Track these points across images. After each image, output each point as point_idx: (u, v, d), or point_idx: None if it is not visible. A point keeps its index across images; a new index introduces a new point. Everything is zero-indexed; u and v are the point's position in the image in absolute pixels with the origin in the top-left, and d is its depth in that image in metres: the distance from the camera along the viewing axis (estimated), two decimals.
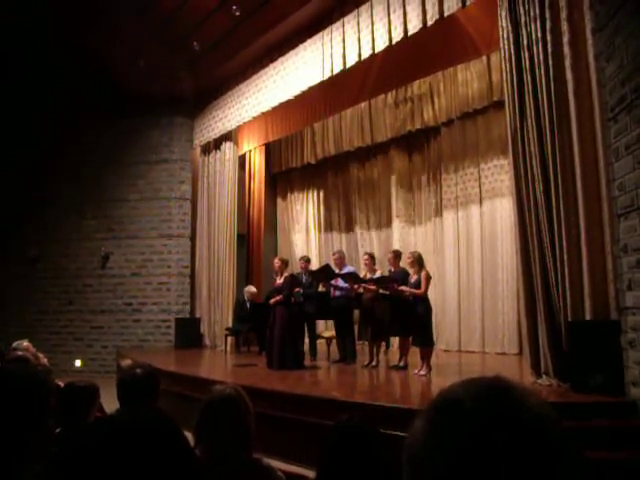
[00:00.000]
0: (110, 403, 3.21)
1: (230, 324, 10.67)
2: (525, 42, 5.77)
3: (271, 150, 13.26)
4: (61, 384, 3.25)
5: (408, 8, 7.17)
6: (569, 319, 5.24)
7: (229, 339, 10.40)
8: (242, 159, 12.11)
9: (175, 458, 0.81)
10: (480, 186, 9.85)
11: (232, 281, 11.19)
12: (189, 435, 1.83)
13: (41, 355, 4.82)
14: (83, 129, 12.07)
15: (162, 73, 11.28)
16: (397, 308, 7.20)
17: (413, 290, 6.90)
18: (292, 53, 9.27)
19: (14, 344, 4.94)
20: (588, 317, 5.10)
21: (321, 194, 13.19)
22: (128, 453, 0.77)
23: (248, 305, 10.06)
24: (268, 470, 1.94)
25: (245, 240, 12.05)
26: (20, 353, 4.05)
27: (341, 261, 8.47)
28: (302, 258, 9.09)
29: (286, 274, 8.04)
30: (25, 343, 4.92)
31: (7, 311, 11.85)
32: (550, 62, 5.50)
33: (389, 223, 11.69)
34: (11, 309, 11.89)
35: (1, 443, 1.11)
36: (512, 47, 5.92)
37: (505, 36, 6.02)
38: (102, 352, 11.63)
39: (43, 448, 1.19)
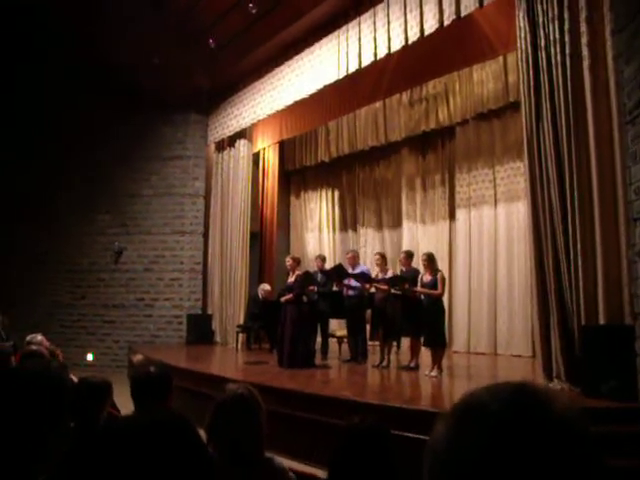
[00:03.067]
0: (121, 398, 3.23)
1: (242, 321, 10.71)
2: (542, 43, 5.72)
3: (285, 148, 13.28)
4: (74, 379, 3.28)
5: (425, 8, 7.14)
6: (582, 323, 5.20)
7: (240, 336, 10.44)
8: (256, 157, 12.13)
9: (191, 460, 0.82)
10: (495, 187, 9.80)
11: (244, 278, 11.22)
12: (201, 432, 1.84)
13: (59, 351, 4.85)
14: (98, 124, 12.12)
15: (177, 70, 11.32)
16: (409, 308, 7.19)
17: (431, 291, 6.88)
18: (308, 52, 9.26)
19: (28, 337, 4.99)
20: (602, 322, 5.07)
21: (335, 193, 13.18)
22: (144, 456, 0.77)
23: (261, 302, 10.08)
24: (280, 470, 1.95)
25: (258, 238, 12.07)
26: (34, 347, 4.08)
27: (354, 260, 8.47)
28: (318, 257, 9.11)
29: (298, 272, 8.04)
30: (39, 337, 4.97)
31: (20, 304, 11.94)
32: (568, 63, 5.46)
33: (401, 223, 11.65)
34: (24, 302, 11.98)
35: (18, 441, 1.13)
36: (529, 48, 5.88)
37: (522, 36, 5.98)
38: (114, 347, 11.71)
39: (59, 446, 1.20)
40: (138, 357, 8.86)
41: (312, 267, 9.33)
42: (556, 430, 0.58)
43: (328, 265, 9.17)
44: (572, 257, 5.32)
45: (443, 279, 6.93)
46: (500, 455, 0.55)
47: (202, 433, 1.84)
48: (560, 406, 0.60)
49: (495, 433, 0.57)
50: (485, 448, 0.56)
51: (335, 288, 8.56)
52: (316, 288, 7.99)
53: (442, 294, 6.91)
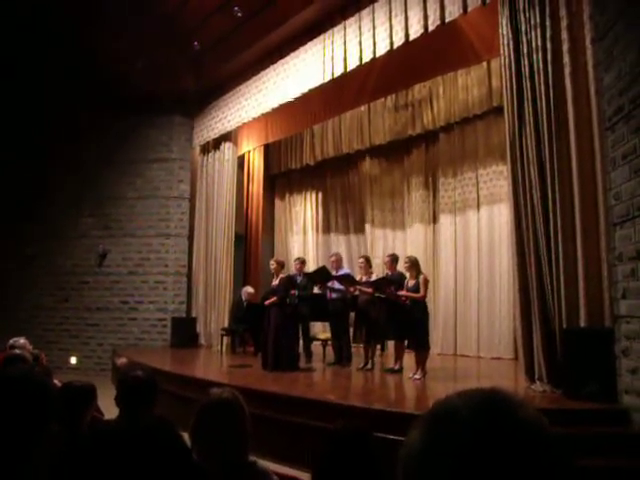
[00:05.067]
0: (105, 401, 3.23)
1: (226, 324, 10.69)
2: (525, 50, 5.81)
3: (270, 151, 13.28)
4: (58, 383, 3.27)
5: (410, 13, 7.20)
6: (564, 326, 5.28)
7: (225, 339, 10.42)
8: (241, 159, 12.12)
9: (176, 466, 0.84)
10: (478, 191, 9.89)
11: (229, 281, 11.20)
12: (185, 436, 1.85)
13: (42, 355, 4.82)
14: (83, 126, 12.07)
15: (163, 72, 11.30)
16: (393, 311, 7.22)
17: (413, 294, 6.92)
18: (293, 55, 9.28)
19: (11, 341, 4.95)
20: (582, 324, 5.14)
21: (319, 196, 13.19)
22: (131, 461, 0.79)
23: (245, 305, 10.07)
24: (264, 474, 1.96)
25: (243, 240, 12.05)
26: (17, 351, 4.06)
27: (338, 263, 8.49)
28: (297, 259, 9.12)
29: (282, 275, 8.05)
30: (22, 340, 4.94)
31: (2, 307, 11.84)
32: (549, 70, 5.55)
33: (386, 226, 11.71)
34: (7, 305, 11.89)
35: (1, 448, 1.13)
36: (512, 54, 5.97)
37: (505, 43, 6.07)
38: (98, 350, 11.64)
39: (45, 452, 1.20)
40: (122, 360, 8.82)
41: (294, 270, 9.33)
42: (526, 435, 0.60)
43: (311, 268, 9.17)
44: (553, 260, 5.39)
45: (426, 282, 6.97)
46: (471, 460, 0.57)
47: (186, 437, 1.85)
48: (528, 412, 0.62)
49: (466, 439, 0.59)
50: (457, 453, 0.58)
51: (318, 291, 8.57)
52: (297, 292, 7.99)
53: (424, 297, 6.94)
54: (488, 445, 0.58)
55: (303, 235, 13.25)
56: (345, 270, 8.51)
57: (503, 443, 0.58)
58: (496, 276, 9.46)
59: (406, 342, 7.15)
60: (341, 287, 8.14)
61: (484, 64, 9.24)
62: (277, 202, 13.93)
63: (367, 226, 12.08)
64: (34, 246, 12.01)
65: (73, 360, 11.57)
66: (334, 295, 8.24)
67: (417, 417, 0.65)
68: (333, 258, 8.67)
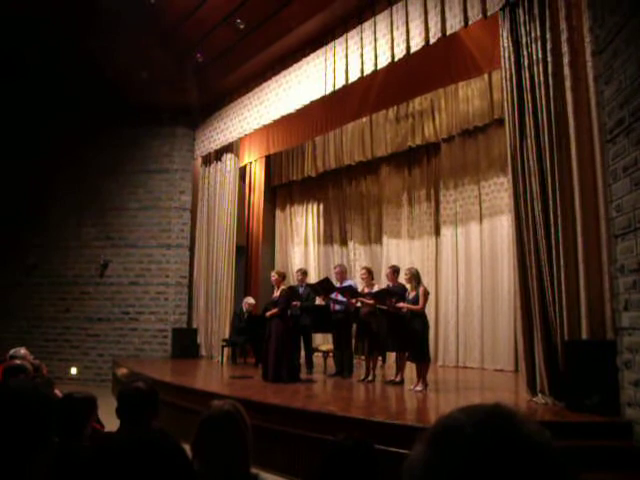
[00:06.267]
0: (105, 413, 3.22)
1: (227, 335, 10.67)
2: (526, 62, 5.84)
3: (272, 162, 13.31)
4: (59, 393, 3.26)
5: (411, 25, 7.24)
6: (565, 338, 5.26)
7: (225, 350, 10.40)
8: (242, 171, 12.15)
9: (177, 478, 0.83)
10: (480, 203, 9.89)
11: (230, 292, 11.19)
12: (186, 447, 1.84)
13: (43, 366, 4.81)
14: (85, 137, 12.11)
15: (165, 83, 11.34)
16: (394, 323, 7.21)
17: (411, 306, 6.92)
18: (295, 67, 9.33)
19: (11, 351, 4.94)
20: (584, 336, 5.13)
21: (321, 207, 13.20)
22: (132, 474, 0.78)
23: (246, 316, 10.07)
24: None
25: (244, 251, 12.06)
26: (18, 362, 4.05)
27: (342, 275, 8.48)
28: (299, 271, 9.11)
29: (283, 287, 8.05)
30: (22, 351, 4.93)
31: (3, 317, 11.83)
32: (550, 82, 5.58)
33: (387, 238, 11.70)
34: (7, 315, 11.87)
35: (2, 459, 1.12)
36: (513, 67, 5.99)
37: (506, 56, 6.10)
38: (98, 360, 11.60)
39: (44, 463, 1.20)
40: (122, 371, 8.81)
41: (295, 282, 9.33)
42: (529, 451, 0.60)
43: (312, 279, 9.17)
44: (555, 272, 5.39)
45: (425, 294, 6.97)
46: (475, 476, 0.57)
47: (187, 449, 1.84)
48: (532, 428, 0.62)
49: (470, 454, 0.59)
50: (460, 469, 0.58)
51: (322, 302, 8.56)
52: (299, 303, 7.98)
53: (422, 308, 6.93)
54: (492, 460, 0.58)
55: (304, 246, 13.25)
56: (349, 282, 8.50)
57: (507, 458, 0.58)
58: (498, 288, 9.45)
59: (407, 354, 7.14)
60: (344, 299, 8.13)
61: (485, 76, 9.29)
62: (278, 213, 13.94)
63: (368, 237, 12.08)
64: (35, 255, 12.01)
65: (73, 371, 11.53)
66: (337, 307, 8.22)
67: (421, 432, 0.65)
68: (337, 269, 8.66)
